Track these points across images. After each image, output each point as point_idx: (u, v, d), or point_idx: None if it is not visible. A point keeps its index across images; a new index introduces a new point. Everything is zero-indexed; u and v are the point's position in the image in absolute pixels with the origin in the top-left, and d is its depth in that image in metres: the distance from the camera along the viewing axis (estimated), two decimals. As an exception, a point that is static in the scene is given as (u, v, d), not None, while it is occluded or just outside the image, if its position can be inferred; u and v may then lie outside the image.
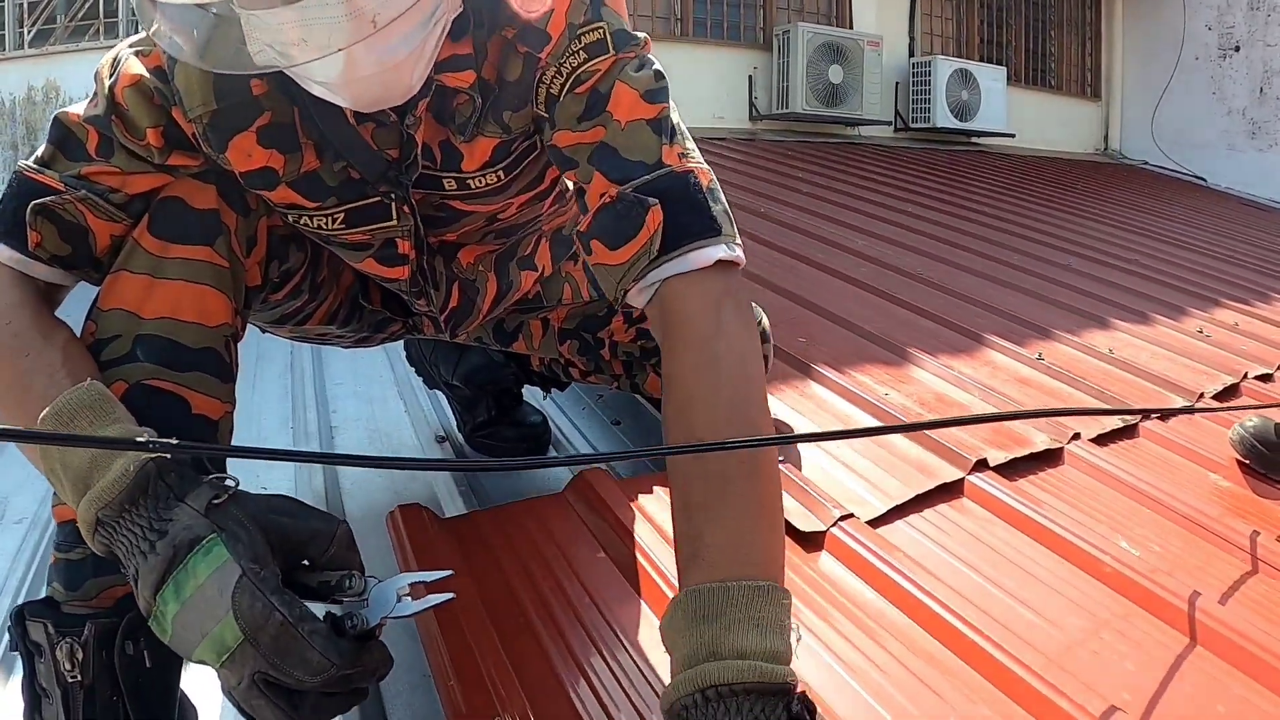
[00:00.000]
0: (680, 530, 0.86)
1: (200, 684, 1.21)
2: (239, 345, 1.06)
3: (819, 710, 0.78)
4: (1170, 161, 7.56)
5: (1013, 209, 4.15)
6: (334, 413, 2.11)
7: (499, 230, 1.23)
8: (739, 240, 0.98)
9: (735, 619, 0.77)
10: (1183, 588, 1.16)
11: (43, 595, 0.97)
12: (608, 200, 0.96)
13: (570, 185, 1.08)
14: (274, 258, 1.11)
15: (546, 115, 1.01)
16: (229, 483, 0.81)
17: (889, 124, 6.49)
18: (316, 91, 0.91)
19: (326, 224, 1.08)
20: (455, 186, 1.08)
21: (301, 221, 1.08)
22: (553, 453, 1.81)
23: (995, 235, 3.39)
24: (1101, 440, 1.66)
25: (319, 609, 0.79)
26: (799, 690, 0.76)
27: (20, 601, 1.00)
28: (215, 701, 1.20)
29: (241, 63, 0.80)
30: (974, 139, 6.93)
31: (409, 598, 0.81)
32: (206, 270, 0.99)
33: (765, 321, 1.45)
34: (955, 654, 1.06)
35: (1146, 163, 7.80)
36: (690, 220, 0.95)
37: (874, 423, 1.61)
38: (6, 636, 0.95)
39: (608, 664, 1.05)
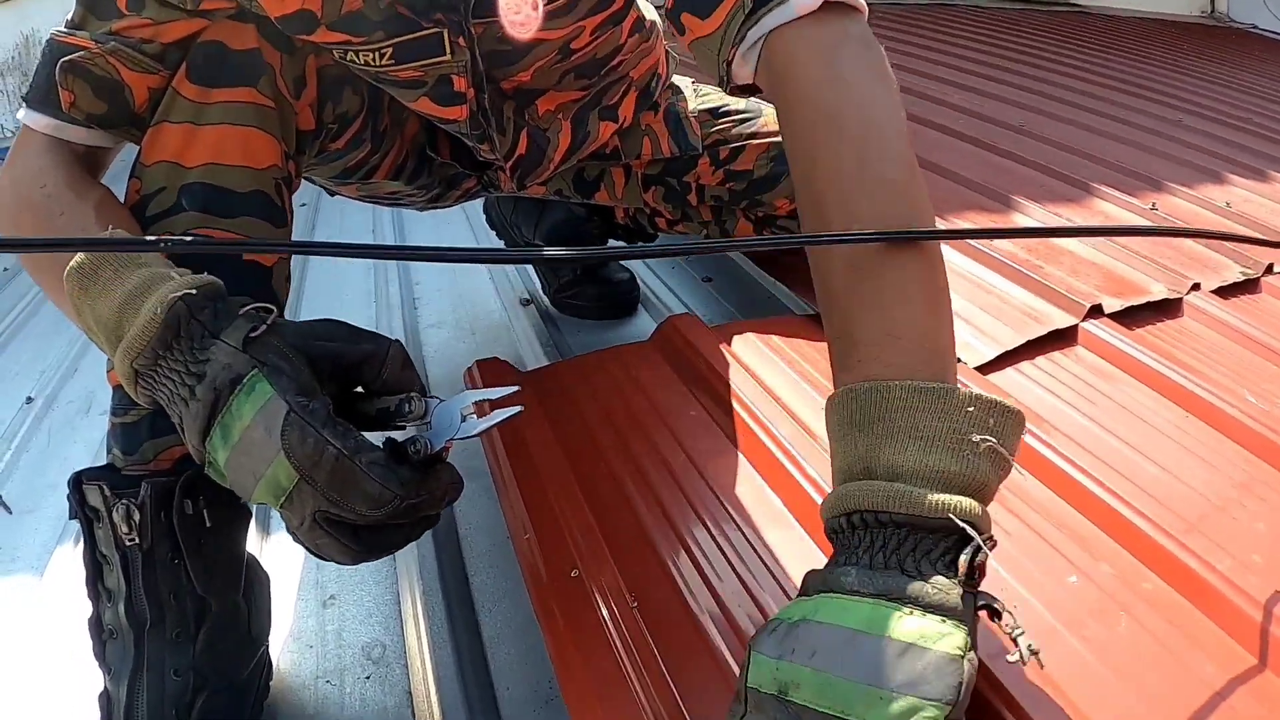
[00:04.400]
0: (828, 328, 0.74)
1: (276, 553, 1.21)
2: (294, 194, 1.01)
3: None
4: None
5: (1118, 68, 3.92)
6: (417, 284, 2.08)
7: (578, 67, 1.15)
8: None
9: (892, 428, 0.64)
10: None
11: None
12: None
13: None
14: (327, 100, 1.04)
15: None
16: (267, 312, 0.75)
17: (981, -16, 6.17)
18: None
19: (375, 59, 1.00)
20: None
21: (348, 58, 1.01)
22: (642, 311, 1.76)
23: (1100, 91, 3.20)
24: (1223, 292, 1.55)
25: (379, 438, 0.74)
26: (982, 533, 0.62)
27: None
28: (294, 573, 1.19)
29: None
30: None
31: (474, 416, 0.75)
32: (250, 111, 0.93)
33: None
34: (1073, 506, 0.99)
35: (1256, 26, 7.34)
36: None
37: (978, 268, 1.51)
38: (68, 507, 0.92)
39: (705, 526, 0.99)
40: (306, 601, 1.14)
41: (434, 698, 0.97)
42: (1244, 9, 7.47)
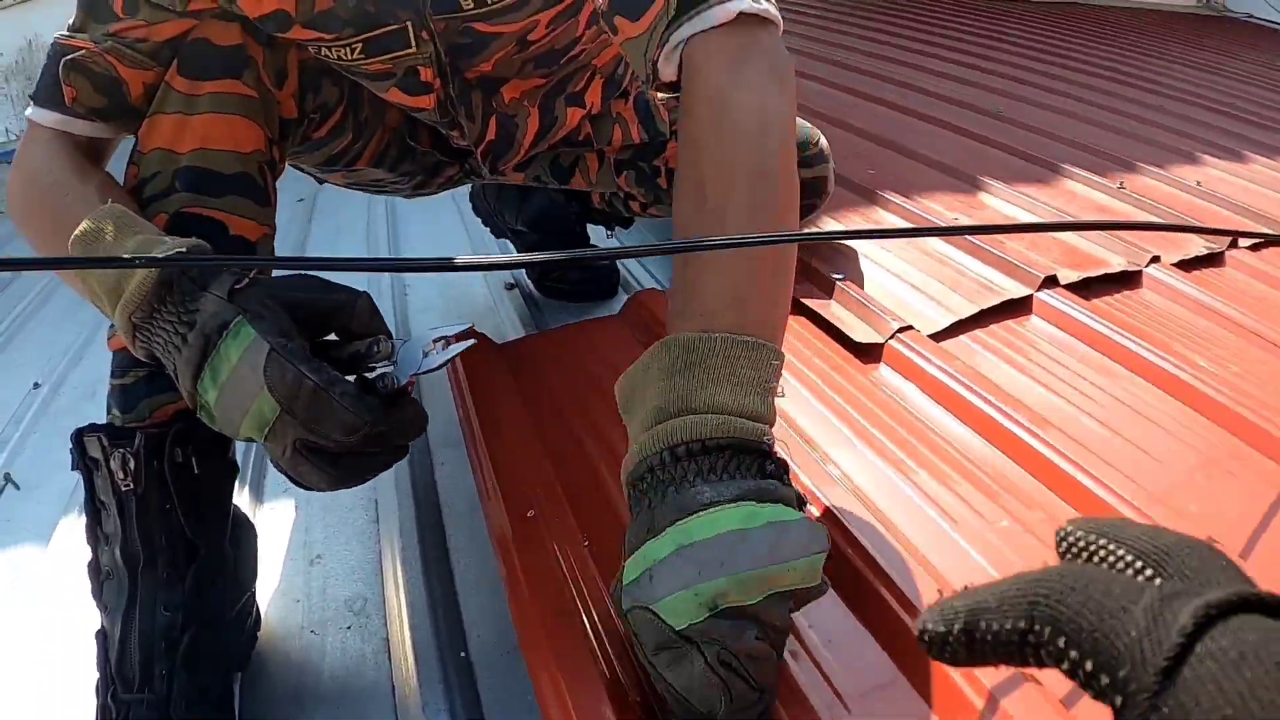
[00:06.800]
0: (674, 282, 0.83)
1: (268, 519, 1.27)
2: (278, 179, 1.10)
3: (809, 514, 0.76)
4: (1276, 13, 7.10)
5: (1104, 57, 3.96)
6: (408, 272, 2.14)
7: (537, 58, 1.22)
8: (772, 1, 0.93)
9: (715, 372, 0.74)
10: (1263, 407, 1.12)
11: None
12: None
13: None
14: (307, 90, 1.13)
15: None
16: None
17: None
18: None
19: (346, 54, 1.09)
20: (472, 5, 1.07)
21: (322, 53, 1.09)
22: (622, 294, 1.81)
23: (1081, 79, 3.24)
24: (1185, 265, 1.59)
25: (353, 380, 0.81)
26: (775, 453, 0.75)
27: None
28: (284, 535, 1.26)
29: None
30: (1065, -9, 6.59)
31: (434, 353, 0.82)
32: (235, 101, 1.01)
33: (824, 143, 1.42)
34: (1016, 462, 1.05)
35: (1252, 16, 7.34)
36: None
37: (938, 243, 1.56)
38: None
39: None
40: (295, 561, 1.21)
41: (408, 644, 1.04)
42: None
